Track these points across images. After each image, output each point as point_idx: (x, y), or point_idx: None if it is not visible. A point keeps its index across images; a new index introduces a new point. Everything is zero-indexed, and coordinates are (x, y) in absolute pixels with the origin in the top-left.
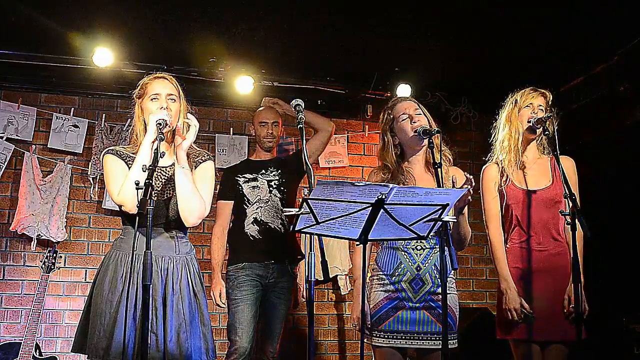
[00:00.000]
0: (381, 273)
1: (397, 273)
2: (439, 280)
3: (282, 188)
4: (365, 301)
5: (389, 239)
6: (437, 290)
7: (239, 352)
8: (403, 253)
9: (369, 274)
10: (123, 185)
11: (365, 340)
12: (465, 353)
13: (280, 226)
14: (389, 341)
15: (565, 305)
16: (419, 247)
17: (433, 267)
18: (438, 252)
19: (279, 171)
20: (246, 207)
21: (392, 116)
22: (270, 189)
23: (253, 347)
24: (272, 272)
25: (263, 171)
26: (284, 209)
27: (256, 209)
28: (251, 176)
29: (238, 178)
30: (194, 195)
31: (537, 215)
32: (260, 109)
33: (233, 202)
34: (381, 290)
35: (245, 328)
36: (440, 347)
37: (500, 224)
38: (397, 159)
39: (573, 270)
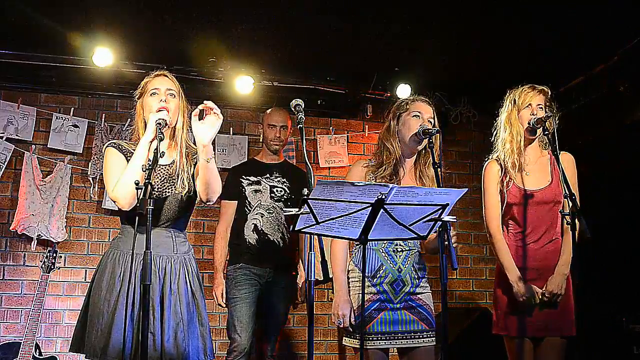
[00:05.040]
0: (361, 274)
1: (378, 275)
2: (417, 280)
3: (288, 203)
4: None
5: (388, 238)
6: (415, 291)
7: (239, 350)
8: (384, 254)
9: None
10: (118, 181)
11: (345, 342)
12: (465, 353)
13: (279, 240)
14: (374, 343)
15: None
16: (399, 249)
17: (412, 268)
18: (416, 253)
19: (285, 180)
20: (247, 212)
21: (407, 107)
22: (272, 195)
23: (253, 345)
24: (270, 272)
25: (267, 175)
26: (284, 209)
27: (256, 214)
28: (254, 179)
29: (242, 180)
30: (219, 179)
31: (536, 215)
32: (270, 110)
33: (236, 202)
34: (361, 292)
35: (244, 326)
36: (422, 344)
37: (501, 221)
38: (400, 144)
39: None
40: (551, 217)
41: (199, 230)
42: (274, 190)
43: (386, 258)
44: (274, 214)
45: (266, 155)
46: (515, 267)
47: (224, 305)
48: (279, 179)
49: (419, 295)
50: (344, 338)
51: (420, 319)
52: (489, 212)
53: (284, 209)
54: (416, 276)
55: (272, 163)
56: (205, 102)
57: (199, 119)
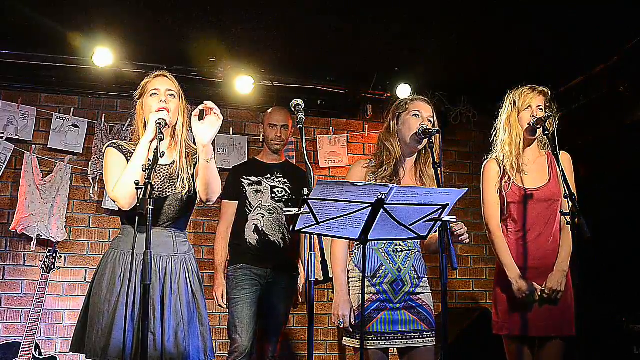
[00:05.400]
0: (361, 274)
1: (378, 275)
2: (417, 280)
3: (289, 204)
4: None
5: (388, 238)
6: (415, 291)
7: (240, 351)
8: (383, 254)
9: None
10: (118, 181)
11: (345, 342)
12: (465, 353)
13: (280, 240)
14: (374, 343)
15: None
16: (398, 249)
17: (411, 268)
18: (416, 253)
19: (286, 180)
20: (248, 212)
21: (406, 107)
22: (273, 195)
23: (254, 345)
24: (270, 272)
25: (268, 175)
26: (285, 209)
27: (257, 214)
28: (255, 179)
29: (243, 180)
30: (218, 179)
31: (534, 213)
32: (271, 110)
33: (237, 202)
34: (361, 292)
35: (245, 327)
36: (422, 344)
37: (500, 220)
38: (400, 144)
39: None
40: (549, 215)
41: (199, 230)
42: (275, 190)
43: (386, 258)
44: (274, 215)
45: (267, 155)
46: (514, 264)
47: (224, 306)
48: (280, 179)
49: (418, 295)
50: (344, 338)
51: (420, 319)
52: (488, 211)
53: (284, 209)
54: (416, 276)
55: (273, 163)
56: (205, 102)
57: (199, 119)
